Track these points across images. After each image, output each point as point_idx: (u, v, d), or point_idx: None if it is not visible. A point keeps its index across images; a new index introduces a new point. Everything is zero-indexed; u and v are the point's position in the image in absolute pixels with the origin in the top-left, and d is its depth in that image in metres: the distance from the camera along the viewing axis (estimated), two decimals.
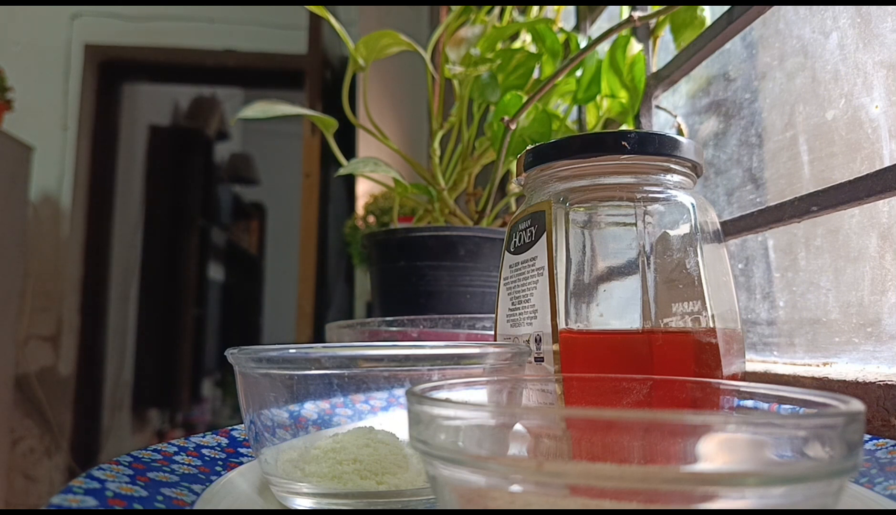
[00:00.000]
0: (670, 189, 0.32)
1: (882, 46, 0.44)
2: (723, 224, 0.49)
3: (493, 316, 0.38)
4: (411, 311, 0.57)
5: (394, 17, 1.76)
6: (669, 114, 0.63)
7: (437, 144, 0.68)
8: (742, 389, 0.25)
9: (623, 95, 0.62)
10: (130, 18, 2.33)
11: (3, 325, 1.78)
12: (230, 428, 0.37)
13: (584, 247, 0.32)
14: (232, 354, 0.29)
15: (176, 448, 0.31)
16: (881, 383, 0.37)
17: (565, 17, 0.83)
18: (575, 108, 0.72)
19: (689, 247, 0.31)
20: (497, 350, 0.30)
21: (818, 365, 0.46)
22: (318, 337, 1.67)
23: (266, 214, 3.98)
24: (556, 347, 0.31)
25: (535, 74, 0.65)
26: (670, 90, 0.64)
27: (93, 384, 2.35)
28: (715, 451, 0.17)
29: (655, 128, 0.64)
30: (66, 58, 2.26)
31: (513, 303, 0.35)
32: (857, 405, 0.17)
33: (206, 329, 3.00)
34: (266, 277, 3.94)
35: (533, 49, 0.65)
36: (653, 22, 0.63)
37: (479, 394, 0.27)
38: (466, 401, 0.24)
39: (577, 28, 0.84)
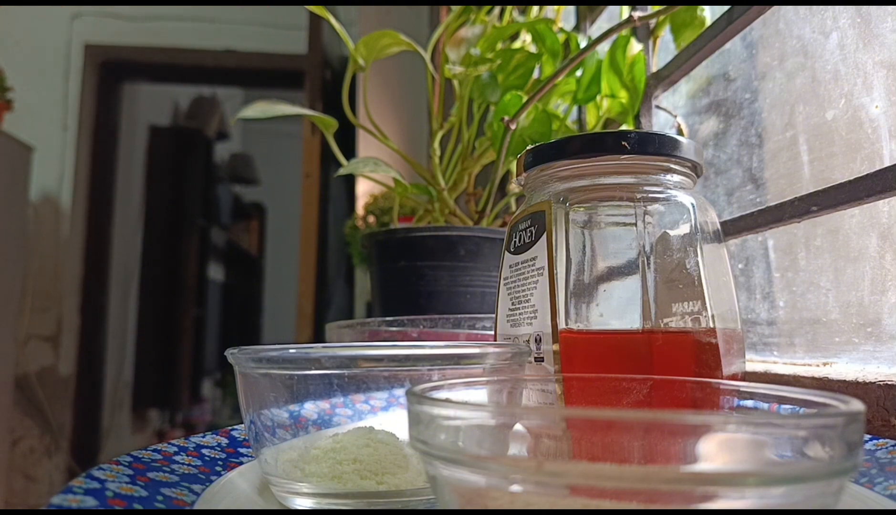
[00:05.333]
0: (670, 189, 0.32)
1: (882, 46, 0.44)
2: (723, 224, 0.49)
3: (493, 316, 0.38)
4: (411, 311, 0.57)
5: (394, 17, 1.76)
6: (669, 114, 0.63)
7: (437, 144, 0.68)
8: (742, 389, 0.25)
9: (623, 95, 0.62)
10: (130, 18, 2.33)
11: (3, 325, 1.78)
12: (230, 427, 0.37)
13: (584, 247, 0.32)
14: (232, 354, 0.29)
15: (176, 448, 0.31)
16: (881, 383, 0.37)
17: (565, 17, 0.83)
18: (575, 108, 0.72)
19: (689, 247, 0.31)
20: (497, 350, 0.30)
21: (818, 365, 0.46)
22: (318, 337, 1.67)
23: (266, 214, 3.97)
24: (556, 347, 0.31)
25: (535, 74, 0.65)
26: (670, 90, 0.64)
27: (93, 384, 2.35)
28: (715, 451, 0.17)
29: (655, 128, 0.64)
30: (66, 58, 2.26)
31: (513, 303, 0.35)
32: (857, 405, 0.17)
33: (206, 329, 3.00)
34: (266, 277, 3.94)
35: (533, 49, 0.65)
36: (653, 22, 0.63)
37: (479, 394, 0.27)
38: (466, 401, 0.24)
39: (577, 28, 0.84)
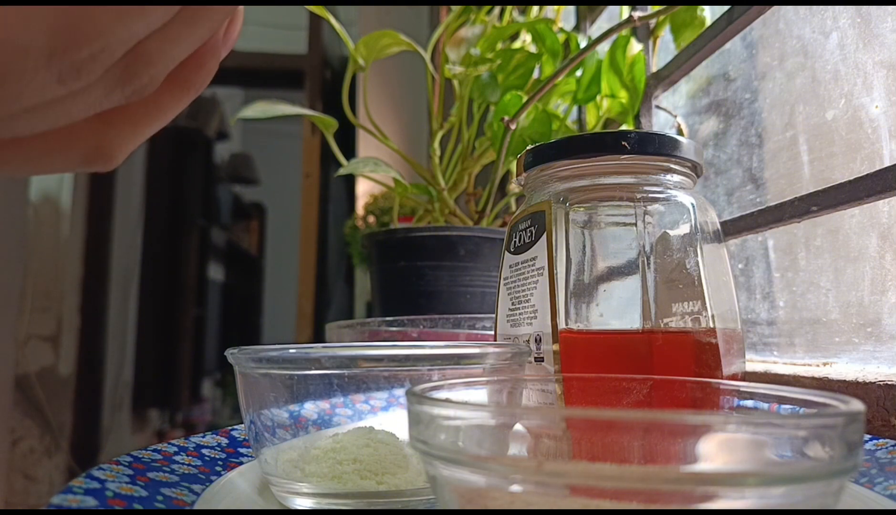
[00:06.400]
0: (670, 189, 0.32)
1: (882, 46, 0.44)
2: (723, 224, 0.49)
3: (493, 316, 0.38)
4: (411, 311, 0.57)
5: (394, 17, 1.76)
6: (669, 114, 0.63)
7: (437, 144, 0.68)
8: (742, 389, 0.25)
9: (623, 95, 0.62)
10: None
11: (3, 325, 1.78)
12: (230, 427, 0.37)
13: (584, 246, 0.32)
14: (232, 354, 0.29)
15: (176, 448, 0.31)
16: (881, 383, 0.37)
17: (565, 17, 0.83)
18: (575, 108, 0.72)
19: (689, 247, 0.31)
20: (497, 350, 0.30)
21: (818, 365, 0.46)
22: (318, 337, 1.67)
23: (266, 214, 3.97)
24: (556, 347, 0.31)
25: (535, 74, 0.65)
26: (670, 90, 0.64)
27: (93, 384, 2.35)
28: (715, 451, 0.17)
29: (655, 128, 0.64)
30: None
31: (513, 303, 0.35)
32: (857, 405, 0.17)
33: (206, 329, 3.00)
34: (266, 277, 3.94)
35: (533, 49, 0.65)
36: (653, 22, 0.63)
37: (479, 394, 0.27)
38: (466, 401, 0.24)
39: (577, 28, 0.84)
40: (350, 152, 1.60)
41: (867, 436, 0.31)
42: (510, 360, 0.29)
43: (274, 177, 3.72)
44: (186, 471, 0.29)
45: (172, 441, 0.32)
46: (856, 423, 0.16)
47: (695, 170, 0.34)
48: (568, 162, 0.33)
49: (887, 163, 0.40)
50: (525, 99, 0.58)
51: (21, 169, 0.19)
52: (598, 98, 0.63)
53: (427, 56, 0.65)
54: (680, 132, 0.61)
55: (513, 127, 0.54)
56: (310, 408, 0.30)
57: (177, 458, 0.30)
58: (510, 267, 0.35)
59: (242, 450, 0.34)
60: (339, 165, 0.63)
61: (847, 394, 0.20)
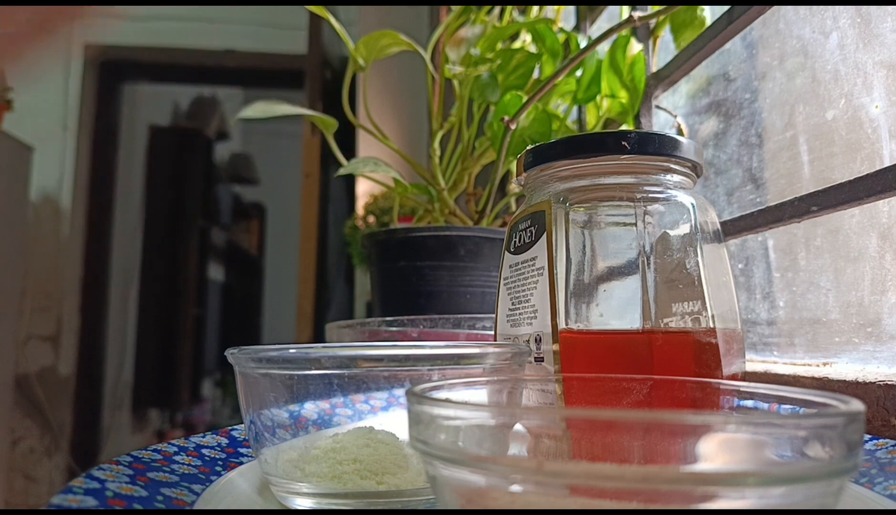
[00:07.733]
0: (670, 189, 0.32)
1: (882, 46, 0.44)
2: (723, 224, 0.49)
3: (493, 316, 0.38)
4: (411, 311, 0.57)
5: (394, 17, 1.76)
6: (669, 114, 0.63)
7: (437, 144, 0.68)
8: (742, 389, 0.25)
9: (623, 95, 0.62)
10: (130, 18, 2.33)
11: (3, 325, 1.78)
12: (230, 427, 0.37)
13: (584, 246, 0.32)
14: (232, 354, 0.29)
15: (176, 448, 0.31)
16: (881, 383, 0.37)
17: (565, 17, 0.83)
18: (575, 108, 0.72)
19: (689, 247, 0.31)
20: (497, 350, 0.30)
21: (818, 365, 0.46)
22: (318, 337, 1.67)
23: (266, 214, 3.97)
24: (556, 347, 0.31)
25: (535, 74, 0.65)
26: (670, 90, 0.64)
27: (93, 384, 2.35)
28: (715, 451, 0.17)
29: (655, 128, 0.64)
30: (66, 58, 2.25)
31: (513, 303, 0.35)
32: (857, 405, 0.17)
33: (206, 329, 3.00)
34: (266, 277, 3.94)
35: (533, 49, 0.65)
36: (653, 22, 0.63)
37: (479, 394, 0.27)
38: (466, 401, 0.24)
39: (577, 28, 0.84)
40: (350, 152, 1.60)
41: (867, 436, 0.31)
42: (510, 360, 0.29)
43: (274, 177, 3.71)
44: (186, 471, 0.29)
45: (172, 441, 0.32)
46: (856, 423, 0.16)
47: (695, 170, 0.34)
48: (568, 162, 0.33)
49: (887, 163, 0.40)
50: (525, 99, 0.58)
51: None
52: (598, 98, 0.63)
53: (427, 56, 0.65)
54: (680, 132, 0.61)
55: (513, 127, 0.54)
56: (310, 408, 0.30)
57: (177, 458, 0.30)
58: (510, 267, 0.35)
59: (242, 450, 0.34)
60: (339, 165, 0.63)
61: (847, 394, 0.20)
